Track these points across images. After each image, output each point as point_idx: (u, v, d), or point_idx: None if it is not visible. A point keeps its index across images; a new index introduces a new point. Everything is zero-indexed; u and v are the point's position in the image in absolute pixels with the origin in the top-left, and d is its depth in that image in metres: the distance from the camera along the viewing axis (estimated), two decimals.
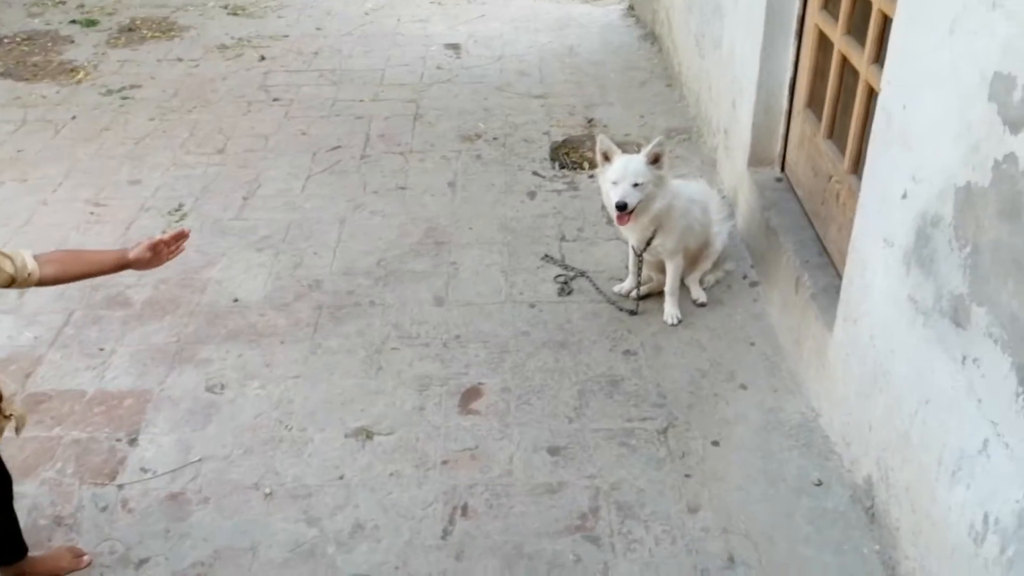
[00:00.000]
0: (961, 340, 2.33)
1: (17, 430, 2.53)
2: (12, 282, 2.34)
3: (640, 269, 3.96)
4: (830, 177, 3.52)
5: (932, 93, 2.43)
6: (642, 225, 3.71)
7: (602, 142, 3.69)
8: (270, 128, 5.72)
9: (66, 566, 2.81)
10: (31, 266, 2.38)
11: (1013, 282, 2.08)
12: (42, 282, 2.43)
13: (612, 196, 3.57)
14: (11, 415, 2.50)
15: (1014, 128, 2.04)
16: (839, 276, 3.26)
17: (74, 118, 5.85)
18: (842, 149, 3.41)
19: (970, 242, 2.27)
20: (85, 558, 2.84)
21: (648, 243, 3.78)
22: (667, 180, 3.66)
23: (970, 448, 2.30)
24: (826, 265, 3.52)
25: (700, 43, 5.36)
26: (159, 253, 2.62)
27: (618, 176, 3.57)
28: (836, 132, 3.55)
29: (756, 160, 4.24)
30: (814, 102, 3.79)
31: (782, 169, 4.15)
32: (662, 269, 3.92)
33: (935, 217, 2.44)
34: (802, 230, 3.75)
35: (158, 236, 2.63)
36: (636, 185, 3.55)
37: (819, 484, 3.10)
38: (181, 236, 2.70)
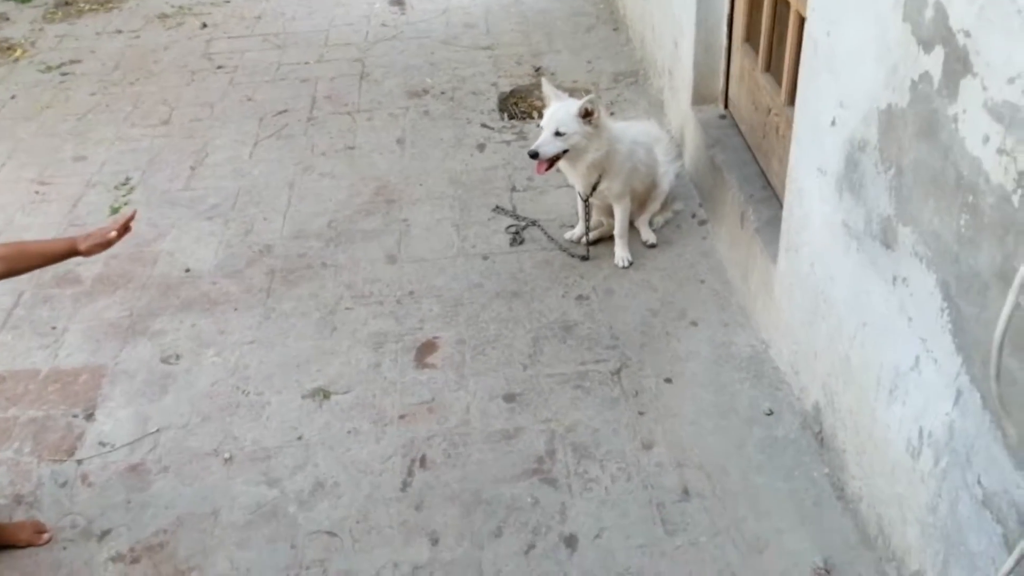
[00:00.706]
0: (891, 261, 2.37)
1: None
2: None
3: (589, 214, 3.97)
4: (769, 110, 3.53)
5: (853, 17, 2.44)
6: (582, 172, 3.71)
7: (544, 87, 3.68)
8: (215, 96, 5.63)
9: (25, 539, 2.82)
10: None
11: (933, 200, 2.12)
12: None
13: None
14: None
15: (927, 47, 2.06)
16: (782, 208, 3.29)
17: (13, 97, 5.74)
18: (779, 81, 3.42)
19: (894, 164, 2.30)
20: (45, 536, 2.85)
21: (594, 188, 3.79)
22: (602, 133, 3.61)
23: (904, 366, 2.36)
24: (770, 198, 3.55)
25: None
26: (111, 241, 2.63)
27: (544, 122, 3.58)
28: (773, 65, 3.55)
29: (700, 98, 4.24)
30: (751, 36, 3.78)
31: (725, 106, 4.16)
32: (611, 213, 3.93)
33: (862, 141, 2.46)
34: (746, 165, 3.77)
35: (112, 234, 2.64)
36: (559, 134, 3.54)
37: (770, 413, 3.16)
38: (130, 219, 2.74)
